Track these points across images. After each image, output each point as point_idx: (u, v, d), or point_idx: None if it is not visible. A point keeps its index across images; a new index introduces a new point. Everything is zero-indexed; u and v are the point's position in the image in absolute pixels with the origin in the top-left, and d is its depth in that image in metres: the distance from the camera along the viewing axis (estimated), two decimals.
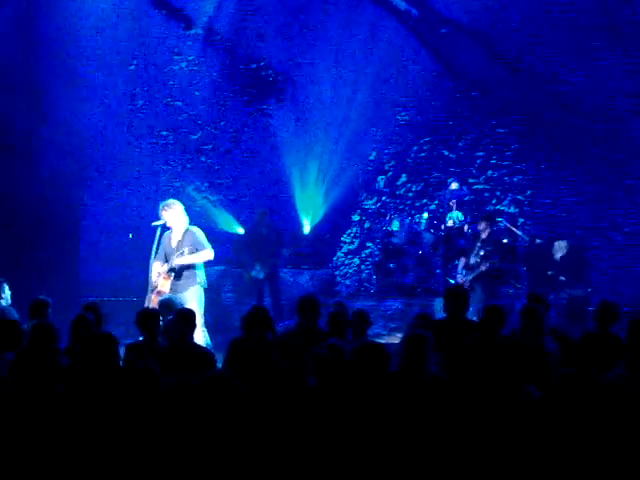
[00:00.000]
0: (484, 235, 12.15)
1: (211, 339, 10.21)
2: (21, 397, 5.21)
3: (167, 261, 10.27)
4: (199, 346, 7.87)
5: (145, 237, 10.96)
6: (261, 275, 13.84)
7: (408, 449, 5.30)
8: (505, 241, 14.16)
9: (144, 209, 14.29)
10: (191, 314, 7.69)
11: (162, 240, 10.44)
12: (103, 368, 5.97)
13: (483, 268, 11.87)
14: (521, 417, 5.47)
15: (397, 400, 5.70)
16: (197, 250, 10.22)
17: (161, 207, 10.53)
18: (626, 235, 14.43)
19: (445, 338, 7.60)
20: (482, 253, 11.94)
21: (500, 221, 14.46)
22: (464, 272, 12.09)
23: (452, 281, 13.19)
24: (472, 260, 12.03)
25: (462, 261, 12.29)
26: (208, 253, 10.29)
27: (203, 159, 15.94)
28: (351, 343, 6.78)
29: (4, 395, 5.21)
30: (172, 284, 10.19)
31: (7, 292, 9.81)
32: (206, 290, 10.52)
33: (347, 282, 15.61)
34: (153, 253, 10.41)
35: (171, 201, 10.62)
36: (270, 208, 14.78)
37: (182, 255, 10.15)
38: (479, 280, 11.82)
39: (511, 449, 5.26)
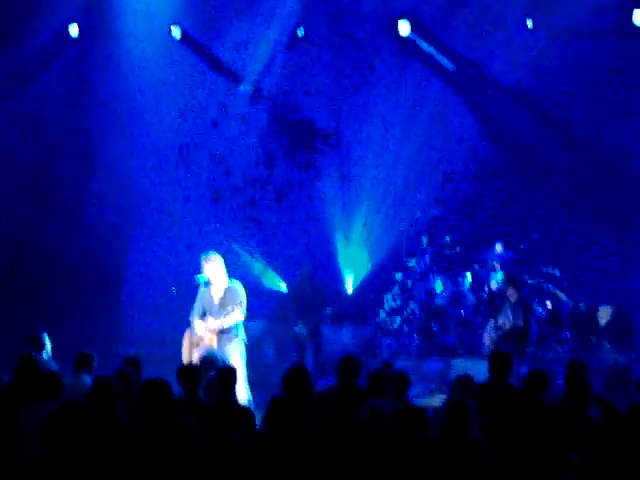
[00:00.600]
0: (513, 299, 12.16)
1: (252, 396, 10.22)
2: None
3: (204, 315, 10.34)
4: (239, 404, 7.84)
5: (188, 291, 11.00)
6: (304, 332, 13.79)
7: None
8: (549, 304, 14.15)
9: (188, 263, 14.37)
10: (233, 371, 7.70)
11: (201, 295, 10.52)
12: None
13: (520, 322, 11.88)
14: None
15: (436, 466, 5.64)
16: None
17: (203, 259, 10.61)
18: None
19: (489, 402, 7.53)
20: (511, 315, 11.95)
21: (546, 285, 14.41)
22: (493, 332, 12.06)
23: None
24: (500, 321, 12.03)
25: (491, 322, 12.27)
26: (239, 315, 10.35)
27: (248, 213, 16.04)
28: (391, 405, 6.72)
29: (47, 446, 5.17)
30: (218, 338, 10.29)
31: (48, 344, 9.81)
32: (247, 346, 10.57)
33: (388, 341, 15.51)
34: (195, 308, 10.51)
35: (212, 254, 10.68)
36: (313, 265, 14.78)
37: (229, 313, 10.22)
38: (507, 341, 11.73)
39: None
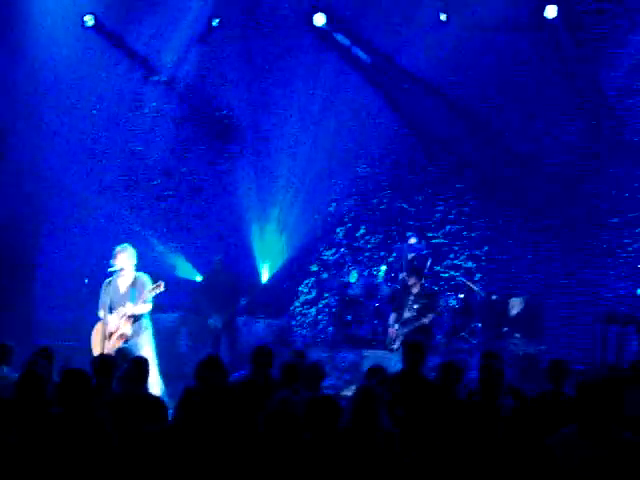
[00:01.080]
0: (415, 289, 12.10)
1: (166, 387, 10.23)
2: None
3: (112, 307, 10.40)
4: (152, 395, 7.80)
5: (101, 282, 10.94)
6: (219, 324, 13.76)
7: None
8: (461, 296, 14.34)
9: (101, 254, 14.19)
10: (145, 363, 7.68)
11: (107, 287, 10.62)
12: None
13: (426, 321, 11.88)
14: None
15: (347, 456, 5.66)
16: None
17: (116, 251, 10.64)
18: (579, 292, 14.53)
19: (401, 393, 7.60)
20: (416, 307, 11.95)
21: (457, 276, 14.61)
22: (397, 325, 12.05)
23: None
24: (407, 314, 12.00)
25: (393, 315, 12.23)
26: (149, 305, 10.54)
27: (162, 205, 15.94)
28: (302, 396, 6.75)
29: None
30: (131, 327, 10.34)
31: None
32: (156, 336, 10.75)
33: (303, 332, 15.56)
34: (103, 301, 10.58)
35: (125, 245, 10.83)
36: (228, 256, 14.75)
37: (143, 303, 10.37)
38: (414, 334, 11.71)
39: None
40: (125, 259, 10.62)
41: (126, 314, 10.36)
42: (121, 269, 10.61)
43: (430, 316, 11.92)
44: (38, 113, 15.47)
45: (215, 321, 13.74)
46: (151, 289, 10.38)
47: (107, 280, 10.68)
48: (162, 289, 10.42)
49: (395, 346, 11.77)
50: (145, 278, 10.61)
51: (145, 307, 10.47)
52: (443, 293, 14.67)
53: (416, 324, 11.86)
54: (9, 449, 5.05)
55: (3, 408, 6.49)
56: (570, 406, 7.04)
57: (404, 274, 13.03)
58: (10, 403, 6.50)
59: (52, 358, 8.30)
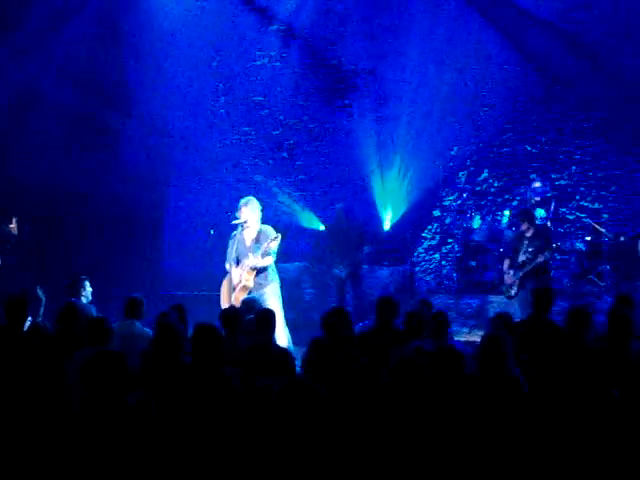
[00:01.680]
0: (529, 234, 11.82)
1: (292, 335, 10.37)
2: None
3: (238, 260, 10.53)
4: (279, 346, 7.92)
5: (226, 233, 11.14)
6: (343, 273, 13.73)
7: (487, 452, 5.28)
8: (588, 238, 14.04)
9: (226, 205, 14.41)
10: (272, 315, 7.79)
11: (233, 240, 10.73)
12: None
13: (541, 259, 11.60)
14: (606, 423, 5.40)
15: (476, 403, 5.67)
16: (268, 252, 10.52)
17: (241, 204, 10.73)
18: None
19: (528, 339, 7.53)
20: (531, 249, 11.68)
21: (584, 217, 14.33)
22: (512, 271, 11.79)
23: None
24: (521, 258, 11.74)
25: (506, 262, 11.95)
26: (271, 259, 10.60)
27: (285, 155, 16.03)
28: (431, 346, 6.76)
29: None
30: (255, 280, 10.42)
31: (88, 289, 9.96)
32: (282, 286, 10.80)
33: (427, 278, 15.54)
34: (229, 253, 10.72)
35: (249, 198, 10.87)
36: (351, 204, 14.74)
37: (265, 254, 10.42)
38: (530, 277, 11.53)
39: (593, 454, 5.21)
40: (249, 212, 10.68)
41: (249, 266, 10.47)
42: (245, 222, 10.71)
43: (545, 254, 11.63)
44: (162, 67, 15.68)
45: (340, 271, 13.76)
46: (270, 241, 10.43)
47: (233, 233, 10.80)
48: (279, 241, 10.50)
49: (513, 292, 11.60)
50: (269, 230, 10.66)
51: (268, 259, 10.53)
52: (569, 235, 14.41)
53: (530, 266, 11.61)
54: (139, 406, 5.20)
55: (142, 362, 6.68)
56: None
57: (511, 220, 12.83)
58: (148, 357, 6.69)
59: (186, 313, 8.48)
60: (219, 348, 6.02)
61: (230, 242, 10.79)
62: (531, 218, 11.95)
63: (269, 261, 10.58)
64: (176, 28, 15.61)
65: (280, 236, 10.53)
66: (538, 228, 12.09)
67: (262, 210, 10.85)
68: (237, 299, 10.14)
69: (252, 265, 10.44)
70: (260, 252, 10.43)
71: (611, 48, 14.52)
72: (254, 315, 7.88)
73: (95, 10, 15.22)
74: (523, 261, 11.64)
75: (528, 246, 11.68)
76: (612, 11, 14.38)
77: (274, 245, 10.48)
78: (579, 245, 14.31)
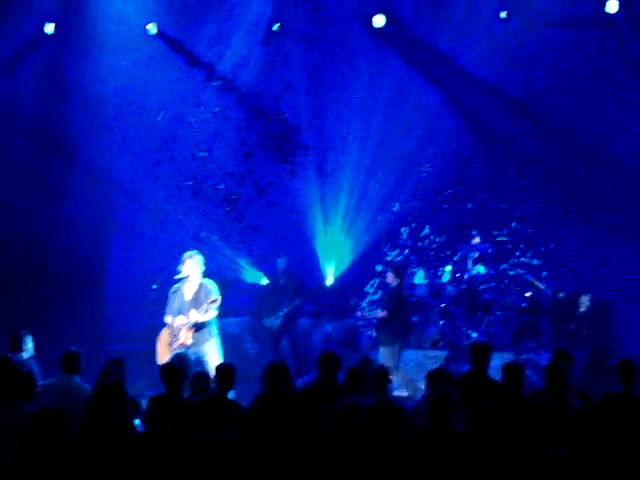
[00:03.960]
0: (393, 284, 12.43)
1: (234, 390, 10.32)
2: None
3: (180, 313, 10.45)
4: (230, 400, 7.89)
5: (169, 287, 11.11)
6: (275, 324, 13.74)
7: None
8: (528, 294, 14.22)
9: (169, 259, 14.36)
10: (232, 370, 7.81)
11: (175, 294, 10.70)
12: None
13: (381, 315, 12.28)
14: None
15: (424, 458, 5.72)
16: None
17: (184, 257, 10.73)
18: None
19: (467, 394, 7.60)
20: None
21: (523, 274, 14.53)
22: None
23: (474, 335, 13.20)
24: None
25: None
26: (214, 312, 10.54)
27: (228, 209, 16.06)
28: (370, 401, 6.79)
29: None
30: (193, 337, 10.39)
31: (30, 344, 9.85)
32: (223, 341, 10.79)
33: (369, 332, 15.58)
34: (169, 306, 10.71)
35: (193, 252, 10.89)
36: (292, 258, 14.80)
37: (205, 312, 10.36)
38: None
39: None
40: (192, 266, 10.66)
41: (189, 323, 10.43)
42: (187, 276, 10.69)
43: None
44: (107, 119, 15.69)
45: (270, 322, 13.76)
46: (210, 302, 10.38)
47: (174, 287, 10.78)
48: (218, 303, 10.48)
49: None
50: (211, 285, 10.62)
51: (209, 315, 10.48)
52: (509, 292, 14.59)
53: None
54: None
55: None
56: None
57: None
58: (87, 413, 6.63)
59: (125, 367, 8.43)
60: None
61: (171, 296, 10.75)
62: (398, 271, 12.41)
63: (211, 315, 10.52)
64: (123, 82, 15.64)
65: (220, 298, 10.49)
66: (401, 285, 12.60)
67: (205, 264, 10.85)
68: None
69: (193, 322, 10.39)
70: (202, 309, 10.38)
71: (548, 105, 14.84)
72: (216, 370, 7.87)
73: (42, 60, 15.28)
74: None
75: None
76: (550, 71, 14.72)
77: (214, 306, 10.45)
78: (518, 301, 14.47)
